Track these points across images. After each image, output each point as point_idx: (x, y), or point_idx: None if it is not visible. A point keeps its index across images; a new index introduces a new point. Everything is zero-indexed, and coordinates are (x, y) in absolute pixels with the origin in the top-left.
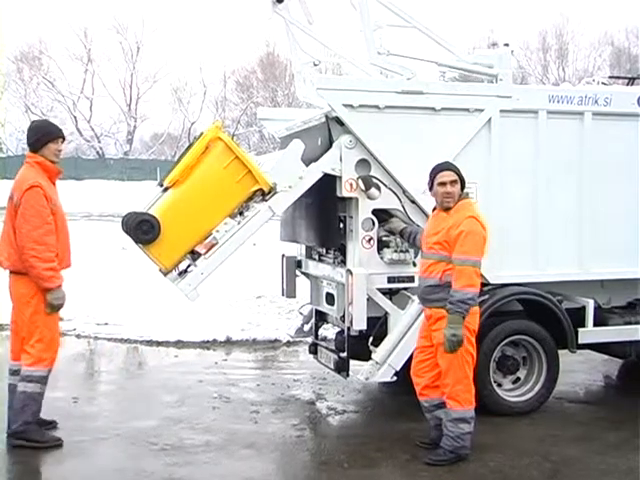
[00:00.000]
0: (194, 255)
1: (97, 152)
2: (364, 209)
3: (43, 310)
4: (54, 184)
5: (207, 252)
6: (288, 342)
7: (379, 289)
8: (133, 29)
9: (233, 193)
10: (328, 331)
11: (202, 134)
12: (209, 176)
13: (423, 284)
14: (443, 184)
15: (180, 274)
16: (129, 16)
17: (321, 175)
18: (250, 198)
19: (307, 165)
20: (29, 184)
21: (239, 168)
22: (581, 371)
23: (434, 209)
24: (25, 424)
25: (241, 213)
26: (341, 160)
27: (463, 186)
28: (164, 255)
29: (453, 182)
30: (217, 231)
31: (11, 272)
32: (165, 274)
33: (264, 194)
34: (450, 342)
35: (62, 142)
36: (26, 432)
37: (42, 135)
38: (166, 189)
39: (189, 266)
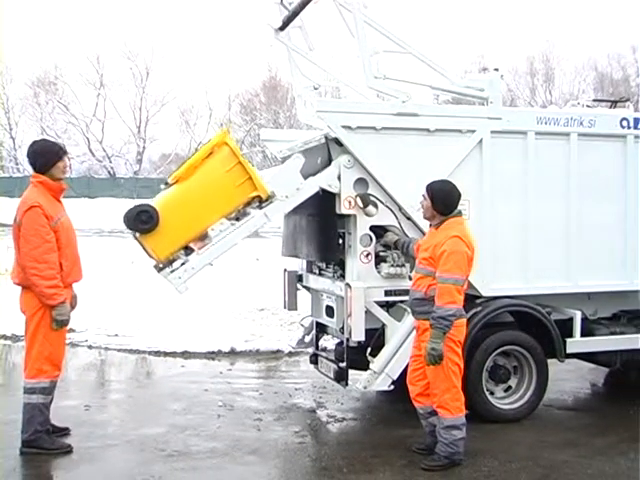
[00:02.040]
0: (188, 251)
1: (108, 172)
2: (362, 225)
3: (47, 324)
4: (59, 201)
5: (201, 249)
6: (290, 353)
7: (377, 302)
8: (143, 55)
9: (232, 196)
10: (328, 342)
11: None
12: (211, 177)
13: (412, 296)
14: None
15: (172, 272)
16: (139, 43)
17: (317, 190)
18: (248, 203)
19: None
20: (28, 205)
21: (241, 173)
22: (569, 379)
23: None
24: (35, 433)
25: (237, 219)
26: (339, 178)
27: (446, 205)
28: (159, 247)
29: (425, 197)
30: (212, 229)
31: (20, 286)
32: (158, 269)
33: (261, 201)
34: (430, 356)
35: (66, 157)
36: (36, 440)
37: (50, 157)
38: (169, 186)
39: (182, 264)
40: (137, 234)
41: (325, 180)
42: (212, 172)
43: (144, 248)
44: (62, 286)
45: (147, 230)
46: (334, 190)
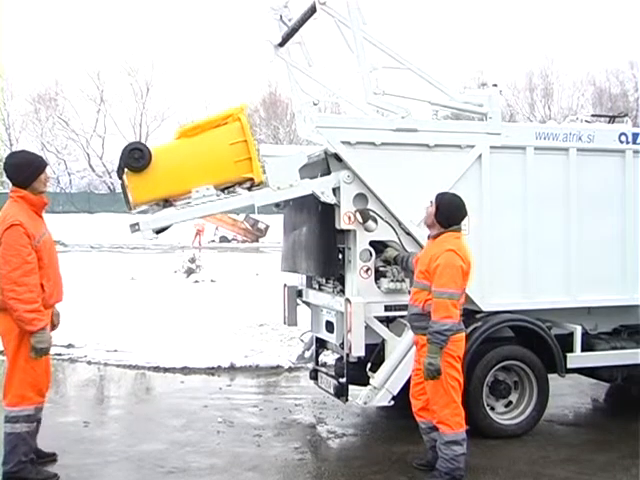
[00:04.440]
0: (166, 204)
1: (108, 187)
2: (362, 241)
3: (27, 347)
4: (40, 216)
5: (179, 205)
6: (290, 368)
7: (376, 317)
8: (143, 71)
9: (227, 169)
10: (328, 357)
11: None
12: (214, 144)
13: (410, 311)
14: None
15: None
16: (139, 59)
17: (309, 193)
18: (240, 183)
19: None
20: (9, 223)
21: (243, 151)
22: (570, 394)
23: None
24: (19, 464)
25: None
26: (335, 191)
27: (448, 218)
28: (140, 189)
29: (432, 203)
30: (197, 191)
31: None
32: (133, 230)
33: (253, 185)
34: (428, 370)
35: (47, 169)
36: (20, 472)
37: (33, 170)
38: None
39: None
40: (124, 173)
41: (319, 186)
42: (217, 140)
43: (124, 190)
44: (42, 310)
45: (136, 168)
46: (326, 199)
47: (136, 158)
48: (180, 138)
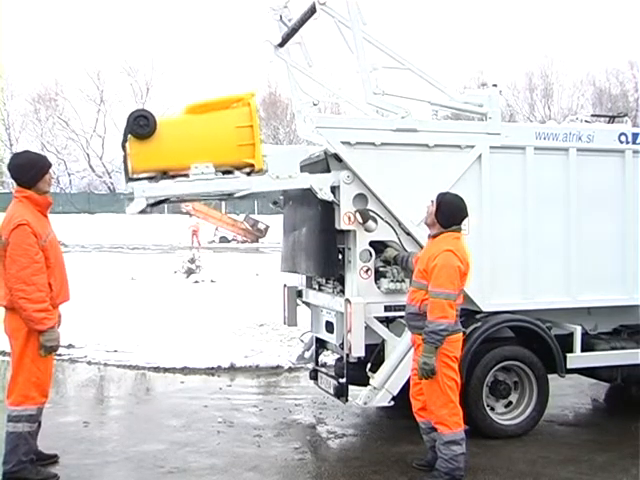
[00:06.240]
0: (164, 176)
1: (108, 187)
2: (362, 241)
3: (34, 348)
4: (45, 216)
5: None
6: (290, 368)
7: (376, 317)
8: (143, 71)
9: (229, 151)
10: (328, 358)
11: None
12: (220, 125)
13: (407, 310)
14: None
15: (139, 181)
16: (139, 59)
17: (307, 187)
18: (240, 167)
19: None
20: (16, 223)
21: (248, 136)
22: (570, 395)
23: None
24: (19, 463)
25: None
26: (334, 190)
27: (448, 217)
28: (141, 156)
29: (433, 202)
30: (196, 167)
31: (5, 307)
32: (128, 179)
33: (252, 171)
34: (422, 370)
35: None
36: (20, 472)
37: (37, 170)
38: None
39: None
40: (127, 139)
41: (318, 182)
42: (223, 122)
43: (125, 159)
44: (51, 310)
45: (140, 135)
46: (323, 196)
47: (141, 125)
48: (188, 114)
